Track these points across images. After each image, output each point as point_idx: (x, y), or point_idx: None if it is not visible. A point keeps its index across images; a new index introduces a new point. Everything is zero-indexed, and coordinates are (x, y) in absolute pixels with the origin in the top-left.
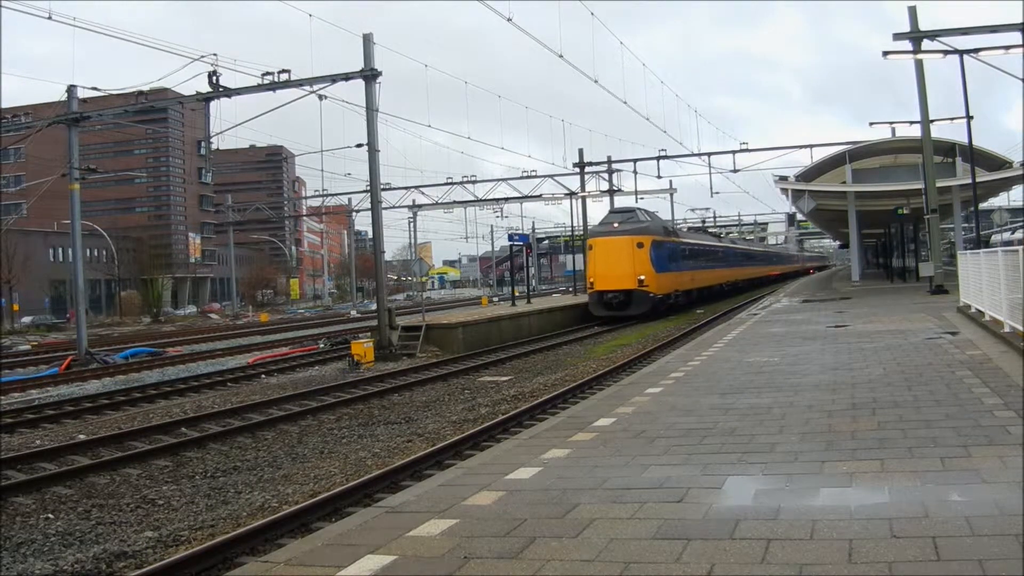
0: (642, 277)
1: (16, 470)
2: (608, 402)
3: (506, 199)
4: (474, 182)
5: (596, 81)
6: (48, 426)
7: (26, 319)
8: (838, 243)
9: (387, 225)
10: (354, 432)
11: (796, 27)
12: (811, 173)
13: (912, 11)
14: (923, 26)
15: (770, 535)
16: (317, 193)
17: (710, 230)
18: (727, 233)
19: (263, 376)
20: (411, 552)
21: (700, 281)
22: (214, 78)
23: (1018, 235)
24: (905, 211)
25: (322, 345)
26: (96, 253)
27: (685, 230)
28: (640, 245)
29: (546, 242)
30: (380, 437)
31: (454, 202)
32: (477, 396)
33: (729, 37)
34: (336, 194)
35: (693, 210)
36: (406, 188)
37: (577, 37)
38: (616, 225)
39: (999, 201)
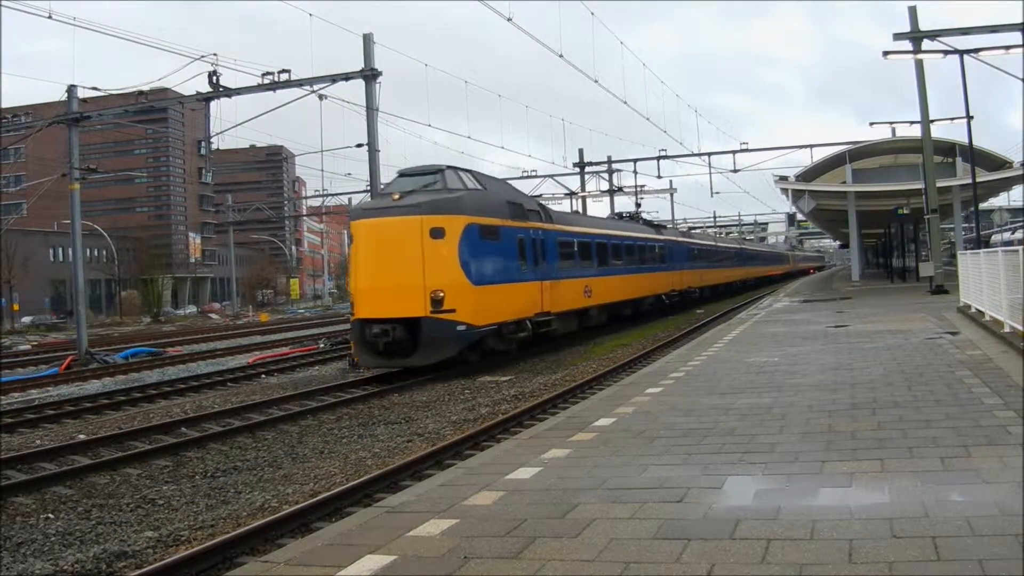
0: (439, 292)
1: (16, 470)
2: (608, 402)
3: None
4: None
5: (596, 81)
6: (48, 426)
7: (26, 319)
8: (838, 243)
9: None
10: (354, 432)
11: (798, 24)
12: (811, 173)
13: (912, 11)
14: (923, 26)
15: (770, 535)
16: (317, 193)
17: (646, 217)
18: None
19: (263, 376)
20: (411, 552)
21: (605, 293)
22: (214, 78)
23: (1018, 235)
24: (905, 211)
25: (322, 345)
26: (96, 253)
27: (604, 217)
28: (437, 233)
29: None
30: (380, 437)
31: None
32: (477, 396)
33: (730, 35)
34: (336, 194)
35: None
36: None
37: (577, 37)
38: (397, 197)
39: (999, 201)
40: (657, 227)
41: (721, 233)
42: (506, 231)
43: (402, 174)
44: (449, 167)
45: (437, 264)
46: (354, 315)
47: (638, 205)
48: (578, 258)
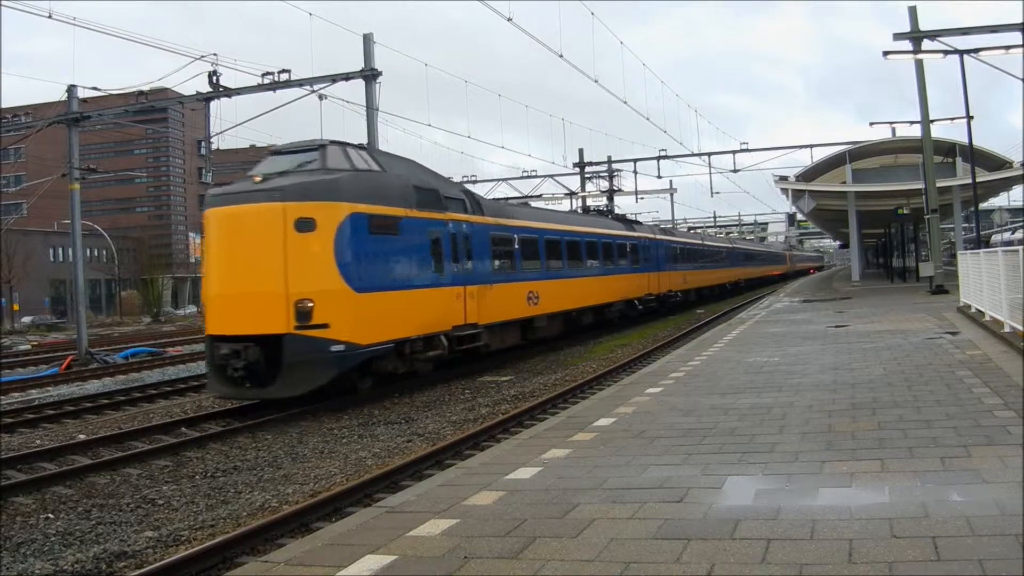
0: (306, 302)
1: (16, 470)
2: (608, 402)
3: (506, 199)
4: (474, 182)
5: (596, 81)
6: (48, 426)
7: (26, 319)
8: (838, 243)
9: None
10: (354, 432)
11: (798, 24)
12: (811, 173)
13: (912, 11)
14: (923, 26)
15: (770, 535)
16: None
17: (610, 212)
18: (726, 232)
19: None
20: (411, 552)
21: (558, 299)
22: (214, 78)
23: (1018, 235)
24: (905, 211)
25: None
26: (96, 253)
27: (546, 210)
28: (305, 225)
29: None
30: (380, 437)
31: None
32: (477, 396)
33: (731, 35)
34: None
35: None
36: None
37: (577, 36)
38: (259, 180)
39: (999, 201)
40: (630, 223)
41: (721, 233)
42: (411, 224)
43: (275, 152)
44: (334, 142)
45: (305, 265)
46: (206, 330)
47: (610, 199)
48: (520, 258)
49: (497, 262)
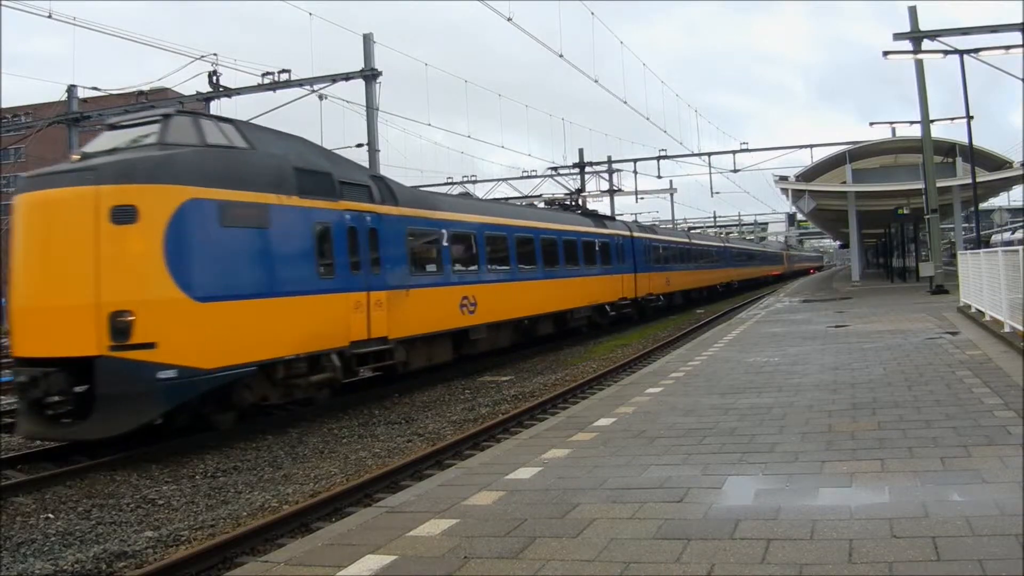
0: (125, 315)
1: (16, 470)
2: (608, 402)
3: (506, 199)
4: (474, 182)
5: (596, 81)
6: None
7: None
8: (838, 243)
9: None
10: (354, 432)
11: (799, 23)
12: (811, 173)
13: (912, 11)
14: (924, 26)
15: (770, 535)
16: None
17: (564, 203)
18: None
19: None
20: (411, 552)
21: (503, 306)
22: (214, 78)
23: (1018, 235)
24: (905, 211)
25: None
26: None
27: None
28: (124, 215)
29: None
30: (380, 437)
31: None
32: (477, 396)
33: (731, 34)
34: None
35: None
36: None
37: (577, 36)
38: (77, 158)
39: (999, 201)
40: (601, 219)
41: (721, 233)
42: (287, 214)
43: (110, 126)
44: (182, 112)
45: (124, 267)
46: (11, 350)
47: (579, 190)
48: (449, 257)
49: (417, 262)
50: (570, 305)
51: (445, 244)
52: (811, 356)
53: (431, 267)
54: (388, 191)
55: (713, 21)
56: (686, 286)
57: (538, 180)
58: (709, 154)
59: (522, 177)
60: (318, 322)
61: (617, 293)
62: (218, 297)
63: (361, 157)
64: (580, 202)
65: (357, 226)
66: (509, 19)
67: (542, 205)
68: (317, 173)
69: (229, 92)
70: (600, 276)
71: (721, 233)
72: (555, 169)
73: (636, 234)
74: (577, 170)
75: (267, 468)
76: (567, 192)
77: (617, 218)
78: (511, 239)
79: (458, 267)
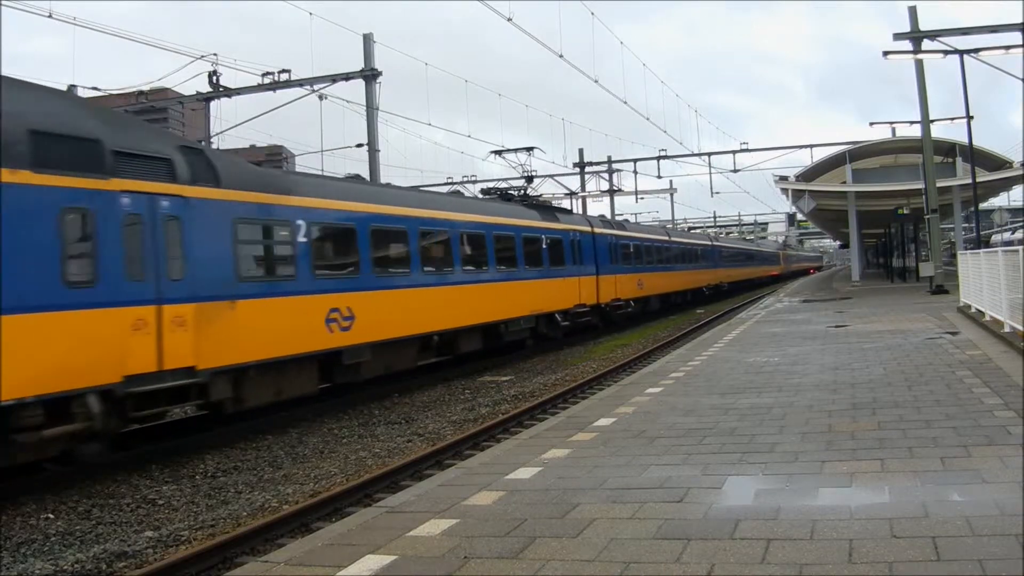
0: None
1: (16, 470)
2: (608, 402)
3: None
4: (474, 182)
5: (596, 81)
6: None
7: None
8: (838, 243)
9: None
10: (354, 432)
11: (799, 23)
12: (811, 173)
13: (912, 11)
14: (924, 26)
15: (770, 535)
16: None
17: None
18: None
19: None
20: (411, 552)
21: (401, 319)
22: (214, 78)
23: (1018, 235)
24: (905, 211)
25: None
26: None
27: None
28: None
29: None
30: (380, 437)
31: None
32: (477, 396)
33: (731, 34)
34: None
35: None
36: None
37: (577, 36)
38: None
39: (999, 201)
40: (551, 211)
41: (721, 233)
42: (9, 195)
43: None
44: None
45: None
46: None
47: (529, 180)
48: (310, 257)
49: (254, 264)
50: (504, 315)
51: (303, 239)
52: (811, 356)
53: (281, 269)
54: (206, 167)
55: (713, 21)
56: (663, 289)
57: (538, 180)
58: (709, 154)
59: (521, 177)
60: (63, 350)
61: (572, 299)
62: None
63: (361, 157)
64: (529, 192)
65: (143, 214)
66: (509, 19)
67: (479, 195)
68: (71, 139)
69: (229, 92)
70: (547, 279)
71: (721, 233)
72: (498, 152)
73: (598, 230)
74: (526, 155)
75: (267, 468)
76: (524, 180)
77: (614, 217)
78: (413, 234)
79: (325, 270)
